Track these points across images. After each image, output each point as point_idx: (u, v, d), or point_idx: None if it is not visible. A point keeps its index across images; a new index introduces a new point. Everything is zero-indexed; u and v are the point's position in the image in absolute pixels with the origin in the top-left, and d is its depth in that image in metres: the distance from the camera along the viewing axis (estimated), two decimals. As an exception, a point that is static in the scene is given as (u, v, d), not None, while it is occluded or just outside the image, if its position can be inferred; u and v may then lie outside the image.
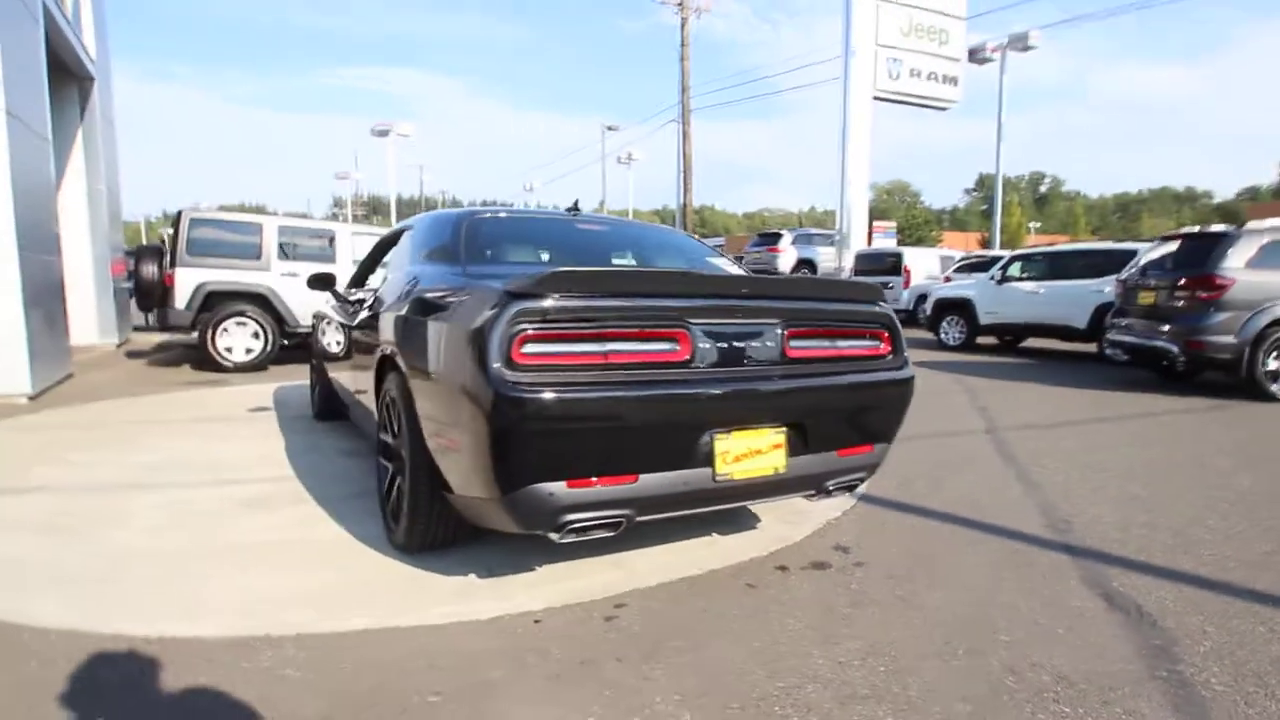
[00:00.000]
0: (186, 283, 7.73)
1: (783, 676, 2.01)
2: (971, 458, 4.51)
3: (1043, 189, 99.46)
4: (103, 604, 2.37)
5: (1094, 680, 2.00)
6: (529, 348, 2.10)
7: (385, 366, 2.95)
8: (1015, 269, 10.84)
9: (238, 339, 8.00)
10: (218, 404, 6.08)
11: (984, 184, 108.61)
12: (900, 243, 27.08)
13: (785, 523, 3.24)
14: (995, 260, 12.75)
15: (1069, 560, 2.85)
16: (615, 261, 3.40)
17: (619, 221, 4.13)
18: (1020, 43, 19.39)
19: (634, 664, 2.08)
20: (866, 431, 2.72)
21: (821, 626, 2.31)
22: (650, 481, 2.26)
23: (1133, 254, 8.81)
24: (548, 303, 2.11)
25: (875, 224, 30.92)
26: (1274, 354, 6.59)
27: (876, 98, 17.19)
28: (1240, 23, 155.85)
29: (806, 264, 19.33)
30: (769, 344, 2.44)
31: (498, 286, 2.19)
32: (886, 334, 2.73)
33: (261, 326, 8.02)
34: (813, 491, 2.64)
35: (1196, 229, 7.49)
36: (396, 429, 2.80)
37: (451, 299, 2.46)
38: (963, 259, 15.86)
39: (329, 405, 5.11)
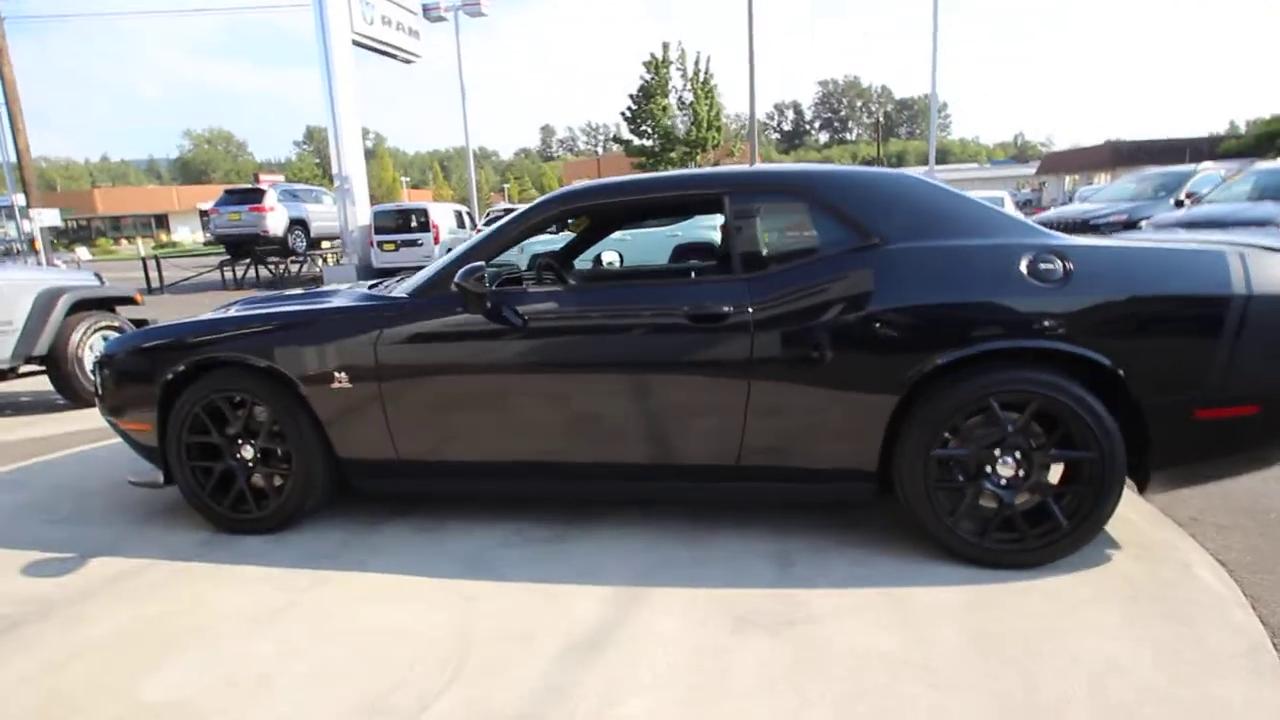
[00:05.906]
0: None
1: None
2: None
3: (369, 143, 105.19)
4: None
5: None
6: None
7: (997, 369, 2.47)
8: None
9: None
10: None
11: (313, 137, 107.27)
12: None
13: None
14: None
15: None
16: None
17: None
18: (474, 7, 20.55)
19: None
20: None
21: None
22: None
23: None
24: None
25: (262, 178, 28.44)
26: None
27: (355, 42, 16.06)
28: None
29: (299, 224, 16.96)
30: None
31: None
32: None
33: None
34: None
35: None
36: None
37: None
38: (496, 211, 17.13)
39: (328, 485, 3.13)
